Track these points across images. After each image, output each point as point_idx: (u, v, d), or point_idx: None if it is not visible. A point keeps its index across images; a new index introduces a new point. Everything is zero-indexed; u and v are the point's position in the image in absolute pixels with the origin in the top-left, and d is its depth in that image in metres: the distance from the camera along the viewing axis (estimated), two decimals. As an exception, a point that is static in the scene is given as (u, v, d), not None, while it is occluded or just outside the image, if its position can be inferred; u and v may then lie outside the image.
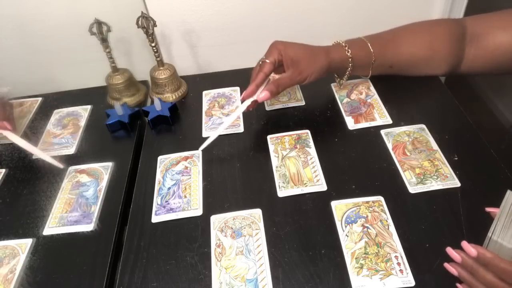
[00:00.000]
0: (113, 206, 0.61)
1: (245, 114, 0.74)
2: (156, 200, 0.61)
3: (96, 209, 0.60)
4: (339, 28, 0.91)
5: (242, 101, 0.66)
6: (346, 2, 0.88)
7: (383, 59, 0.71)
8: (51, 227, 0.58)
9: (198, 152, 0.68)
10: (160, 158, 0.67)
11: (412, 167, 0.61)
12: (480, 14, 0.70)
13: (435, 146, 0.64)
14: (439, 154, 0.62)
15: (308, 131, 0.69)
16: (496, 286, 0.42)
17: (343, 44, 0.68)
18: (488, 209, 0.47)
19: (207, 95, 0.81)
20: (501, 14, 0.67)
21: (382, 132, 0.67)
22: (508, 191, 0.43)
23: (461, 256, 0.45)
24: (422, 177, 0.59)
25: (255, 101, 0.65)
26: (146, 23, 0.71)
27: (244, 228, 0.55)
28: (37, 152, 0.67)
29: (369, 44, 0.69)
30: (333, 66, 0.68)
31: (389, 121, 0.70)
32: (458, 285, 0.46)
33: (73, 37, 0.84)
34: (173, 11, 0.84)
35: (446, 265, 0.47)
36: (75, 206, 0.61)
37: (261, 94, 0.64)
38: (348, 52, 0.68)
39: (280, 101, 0.77)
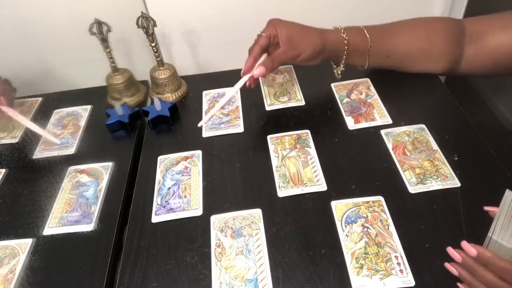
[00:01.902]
0: (113, 206, 0.61)
1: (245, 114, 0.74)
2: (156, 200, 0.61)
3: (96, 209, 0.60)
4: (339, 28, 0.91)
5: (242, 76, 0.67)
6: (346, 2, 0.88)
7: (379, 47, 0.71)
8: (51, 227, 0.58)
9: (198, 152, 0.68)
10: (160, 158, 0.68)
11: (412, 167, 0.61)
12: (480, 16, 0.70)
13: (435, 146, 0.64)
14: (439, 154, 0.62)
15: (308, 131, 0.69)
16: (496, 286, 0.42)
17: (340, 28, 0.70)
18: (486, 208, 0.47)
19: (207, 95, 0.81)
20: (502, 15, 0.68)
21: (382, 132, 0.67)
22: (507, 191, 0.43)
23: (461, 256, 0.45)
24: (422, 177, 0.59)
25: (253, 78, 0.66)
26: (146, 23, 0.71)
27: (244, 228, 0.55)
28: (32, 126, 0.70)
29: (365, 31, 0.70)
30: (328, 48, 0.69)
31: (389, 121, 0.70)
32: (459, 284, 0.46)
33: (73, 37, 0.84)
34: (173, 11, 0.84)
35: (447, 264, 0.47)
36: (75, 206, 0.61)
37: (256, 70, 0.65)
38: (343, 34, 0.69)
39: (280, 101, 0.77)
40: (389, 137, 0.66)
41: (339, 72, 0.75)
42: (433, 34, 0.71)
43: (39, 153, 0.71)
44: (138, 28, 0.72)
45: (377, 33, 0.71)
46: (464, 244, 0.44)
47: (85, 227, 0.58)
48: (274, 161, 0.65)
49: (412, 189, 0.58)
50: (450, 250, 0.47)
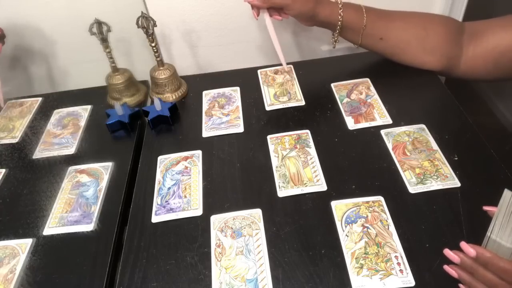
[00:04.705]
0: (113, 206, 0.61)
1: (245, 114, 0.74)
2: (156, 200, 0.61)
3: (96, 209, 0.60)
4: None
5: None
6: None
7: (374, 28, 0.73)
8: (51, 227, 0.58)
9: (198, 152, 0.68)
10: (160, 158, 0.68)
11: (412, 167, 0.61)
12: (480, 20, 0.71)
13: (435, 146, 0.64)
14: (439, 154, 0.63)
15: (308, 131, 0.69)
16: (496, 285, 0.42)
17: (340, 2, 0.71)
18: (485, 208, 0.47)
19: (207, 95, 0.81)
20: (502, 17, 0.68)
21: (382, 132, 0.67)
22: (506, 190, 0.43)
23: (459, 256, 0.45)
24: (422, 177, 0.59)
25: (274, 14, 0.71)
26: (146, 23, 0.71)
27: (244, 228, 0.55)
28: None
29: (364, 10, 0.72)
30: (321, 18, 0.71)
31: (389, 121, 0.70)
32: (460, 285, 0.46)
33: (73, 37, 0.84)
34: (173, 11, 0.84)
35: (446, 267, 0.47)
36: (75, 206, 0.61)
37: None
38: (340, 10, 0.70)
39: (280, 101, 0.77)
40: (389, 137, 0.66)
41: (334, 43, 0.76)
42: (431, 25, 0.72)
43: (39, 153, 0.71)
44: (138, 28, 0.72)
45: (375, 15, 0.72)
46: (463, 244, 0.44)
47: (85, 227, 0.58)
48: (274, 161, 0.65)
49: (412, 189, 0.58)
50: (447, 252, 0.46)
